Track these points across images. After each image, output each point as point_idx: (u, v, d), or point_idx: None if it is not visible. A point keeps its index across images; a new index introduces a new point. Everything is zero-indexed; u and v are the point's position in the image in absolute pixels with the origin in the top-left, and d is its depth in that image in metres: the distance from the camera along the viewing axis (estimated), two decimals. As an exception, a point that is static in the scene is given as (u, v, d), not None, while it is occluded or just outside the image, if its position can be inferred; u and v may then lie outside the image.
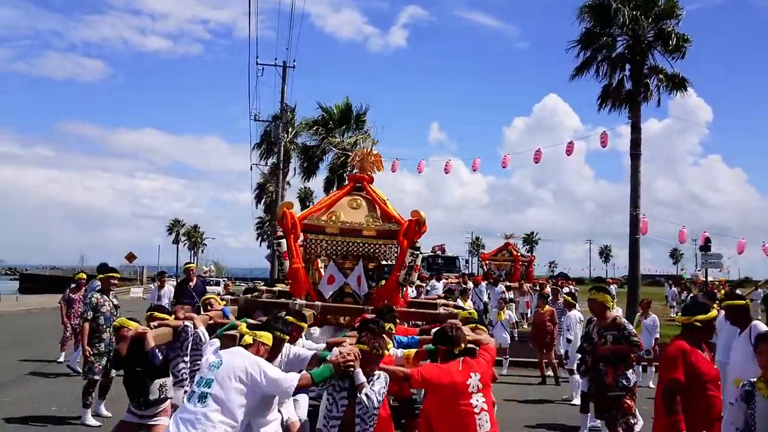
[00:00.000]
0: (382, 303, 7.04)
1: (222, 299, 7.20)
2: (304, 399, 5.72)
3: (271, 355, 4.80)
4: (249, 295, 8.34)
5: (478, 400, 4.53)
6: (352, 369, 4.41)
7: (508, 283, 22.05)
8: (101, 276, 9.01)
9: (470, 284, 19.65)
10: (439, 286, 19.12)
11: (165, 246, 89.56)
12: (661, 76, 22.40)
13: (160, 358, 5.45)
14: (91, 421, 8.22)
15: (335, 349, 4.77)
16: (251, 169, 38.07)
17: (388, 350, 4.93)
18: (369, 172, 8.53)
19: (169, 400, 5.65)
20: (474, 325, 5.76)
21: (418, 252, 7.83)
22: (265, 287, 10.13)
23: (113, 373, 8.40)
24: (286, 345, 5.22)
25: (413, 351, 5.36)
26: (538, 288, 22.08)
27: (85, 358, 8.56)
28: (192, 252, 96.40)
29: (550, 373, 12.34)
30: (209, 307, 6.61)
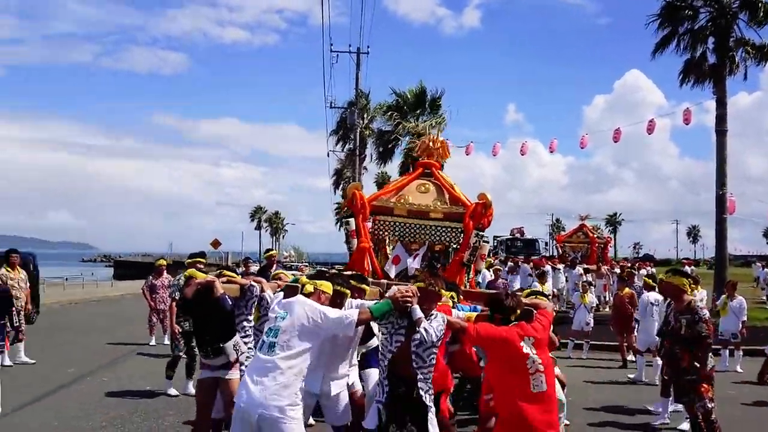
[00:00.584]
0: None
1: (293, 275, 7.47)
2: (374, 373, 5.81)
3: (333, 307, 4.99)
4: None
5: (534, 361, 4.60)
6: (410, 304, 4.54)
7: (585, 266, 21.67)
8: (189, 260, 9.33)
9: (548, 267, 19.46)
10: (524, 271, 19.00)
11: (248, 232, 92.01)
12: (748, 47, 21.37)
13: (230, 304, 5.66)
14: (173, 391, 9.00)
15: (393, 287, 4.99)
16: (328, 156, 38.70)
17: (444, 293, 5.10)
18: (437, 159, 8.71)
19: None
20: (534, 296, 5.77)
21: (483, 234, 7.96)
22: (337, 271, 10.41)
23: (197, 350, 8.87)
24: (348, 300, 5.36)
25: (474, 314, 5.49)
26: (618, 270, 21.63)
27: (172, 335, 9.19)
28: (273, 238, 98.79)
29: (631, 357, 12.15)
30: (279, 281, 6.85)
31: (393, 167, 33.49)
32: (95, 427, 7.54)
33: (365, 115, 33.55)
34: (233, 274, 6.34)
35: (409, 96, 29.32)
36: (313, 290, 4.86)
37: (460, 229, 7.95)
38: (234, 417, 4.58)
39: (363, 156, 34.79)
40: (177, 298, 8.98)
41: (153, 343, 13.54)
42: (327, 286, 4.95)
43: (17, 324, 11.20)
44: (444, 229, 8.03)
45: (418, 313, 4.56)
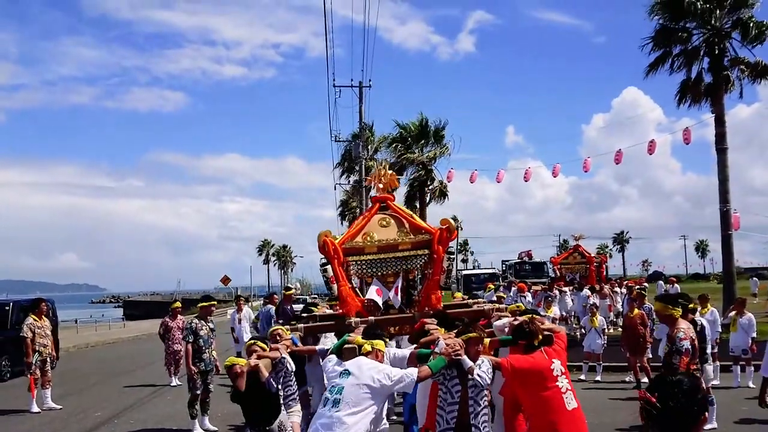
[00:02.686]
0: (424, 307, 8.11)
1: (288, 329, 7.77)
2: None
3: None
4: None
5: (563, 382, 5.17)
6: (460, 356, 5.10)
7: (591, 286, 21.78)
8: (202, 305, 10.11)
9: (556, 292, 19.63)
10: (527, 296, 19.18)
11: (256, 266, 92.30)
12: (742, 66, 21.82)
13: (275, 386, 6.11)
14: (198, 429, 9.58)
15: (441, 342, 5.43)
16: (335, 189, 39.33)
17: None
18: (388, 191, 9.27)
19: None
20: (530, 315, 6.24)
21: (453, 257, 8.61)
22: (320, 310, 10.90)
23: (211, 386, 9.80)
24: (386, 348, 5.89)
25: (488, 340, 5.98)
26: (620, 290, 21.77)
27: (189, 376, 9.65)
28: (282, 271, 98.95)
29: (645, 379, 12.32)
30: (278, 338, 7.22)
31: (398, 197, 33.98)
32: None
33: (369, 147, 34.02)
34: (265, 346, 6.57)
35: (412, 128, 29.96)
36: (371, 349, 5.36)
37: (427, 255, 8.61)
38: None
39: (369, 187, 35.15)
40: (191, 341, 9.60)
41: (174, 383, 14.00)
42: (381, 345, 5.49)
43: (45, 370, 11.53)
44: (413, 257, 8.60)
45: (469, 362, 5.11)
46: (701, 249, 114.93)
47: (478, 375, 5.07)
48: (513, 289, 21.04)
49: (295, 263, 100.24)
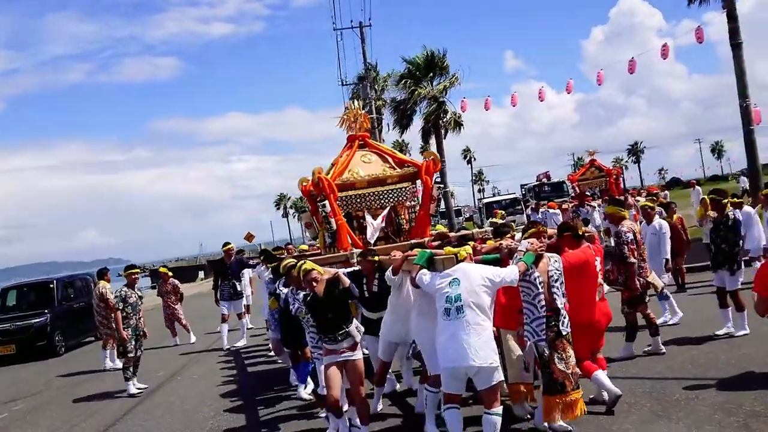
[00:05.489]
0: (417, 235, 8.71)
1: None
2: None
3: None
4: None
5: (599, 276, 6.35)
6: (543, 250, 5.91)
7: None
8: (125, 273, 10.90)
9: (588, 207, 19.64)
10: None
11: (276, 221, 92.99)
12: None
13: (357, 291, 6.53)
14: (133, 389, 10.36)
15: (523, 243, 5.95)
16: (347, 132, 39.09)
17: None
18: (364, 130, 9.63)
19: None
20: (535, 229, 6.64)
21: (440, 185, 8.99)
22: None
23: (140, 350, 10.48)
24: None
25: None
26: (640, 199, 21.76)
27: (121, 341, 10.33)
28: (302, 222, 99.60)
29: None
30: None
31: (412, 134, 33.98)
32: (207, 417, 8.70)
33: (376, 87, 33.71)
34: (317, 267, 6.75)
35: (419, 62, 29.46)
36: (466, 255, 5.63)
37: (412, 188, 9.21)
38: (444, 375, 5.52)
39: (380, 127, 35.09)
40: (120, 308, 10.22)
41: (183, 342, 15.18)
42: (469, 248, 5.79)
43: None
44: (399, 190, 9.08)
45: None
46: (717, 150, 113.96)
47: (555, 268, 5.86)
48: (542, 210, 21.08)
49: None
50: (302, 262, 6.78)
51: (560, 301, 5.82)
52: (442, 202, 28.50)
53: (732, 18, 21.51)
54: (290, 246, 16.34)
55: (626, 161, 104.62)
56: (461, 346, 5.22)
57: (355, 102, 10.35)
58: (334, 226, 8.51)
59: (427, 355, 6.25)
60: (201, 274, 55.72)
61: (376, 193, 8.84)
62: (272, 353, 10.75)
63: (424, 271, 5.75)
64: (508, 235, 6.74)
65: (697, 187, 25.78)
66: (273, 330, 9.33)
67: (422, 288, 5.76)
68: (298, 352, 8.13)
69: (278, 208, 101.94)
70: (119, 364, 11.82)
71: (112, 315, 11.29)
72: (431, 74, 29.55)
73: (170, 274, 15.89)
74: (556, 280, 5.85)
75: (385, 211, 8.75)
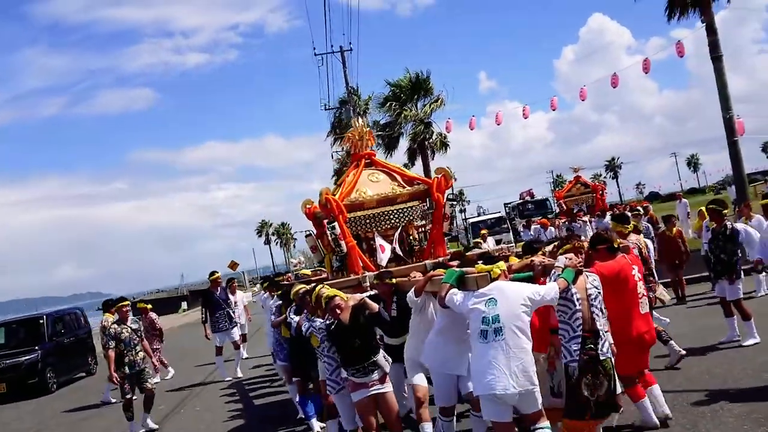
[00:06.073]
0: (429, 255, 8.37)
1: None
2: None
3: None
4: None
5: (641, 287, 6.01)
6: (582, 266, 5.56)
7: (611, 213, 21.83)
8: (116, 308, 10.12)
9: (579, 222, 19.72)
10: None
11: (257, 248, 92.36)
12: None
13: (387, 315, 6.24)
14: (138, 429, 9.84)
15: (560, 259, 5.48)
16: (332, 157, 39.27)
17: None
18: (368, 148, 9.27)
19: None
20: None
21: (454, 202, 8.99)
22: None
23: (149, 384, 9.83)
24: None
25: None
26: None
27: (115, 382, 9.67)
28: (284, 249, 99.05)
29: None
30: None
31: (398, 155, 33.96)
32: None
33: (359, 110, 33.85)
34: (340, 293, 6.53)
35: (403, 84, 29.61)
36: (500, 271, 5.27)
37: (422, 207, 8.98)
38: (484, 402, 5.12)
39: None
40: (112, 347, 9.55)
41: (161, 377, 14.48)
42: (503, 265, 5.42)
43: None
44: (410, 209, 8.76)
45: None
46: (693, 164, 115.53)
47: (594, 286, 5.40)
48: (533, 227, 21.13)
49: (296, 239, 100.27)
50: (320, 287, 6.55)
51: (600, 322, 5.35)
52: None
53: (712, 31, 21.91)
54: (288, 275, 16.06)
55: (604, 177, 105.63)
56: (501, 372, 4.90)
57: (360, 119, 10.07)
58: (345, 249, 8.17)
59: (435, 379, 6.01)
60: (184, 305, 55.05)
61: (386, 212, 8.60)
62: (277, 383, 10.52)
63: (455, 290, 5.41)
64: (540, 252, 6.34)
65: (684, 200, 25.96)
66: (281, 359, 9.11)
67: (453, 309, 5.43)
68: (307, 384, 7.89)
69: (260, 235, 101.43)
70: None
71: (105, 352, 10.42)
72: (416, 96, 29.78)
73: (149, 307, 14.97)
74: (595, 299, 5.39)
75: (398, 232, 8.44)
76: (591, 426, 5.39)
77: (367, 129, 9.44)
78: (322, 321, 6.35)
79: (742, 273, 9.20)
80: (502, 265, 5.40)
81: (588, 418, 5.30)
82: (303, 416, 8.39)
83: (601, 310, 5.40)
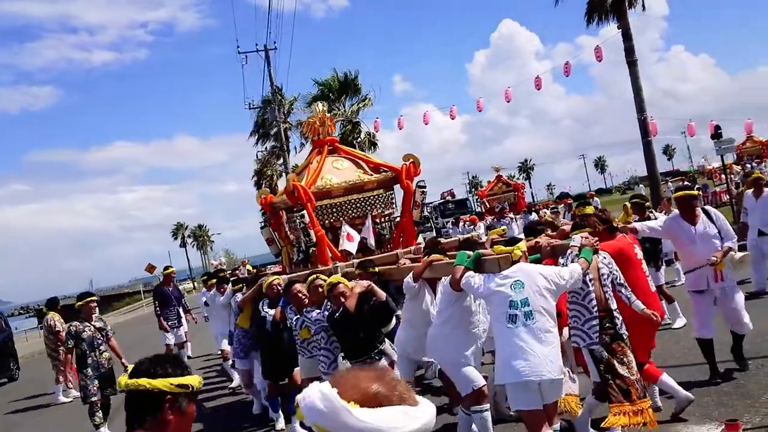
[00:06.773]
0: (399, 243, 8.19)
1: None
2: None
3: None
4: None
5: (645, 267, 5.92)
6: (598, 245, 5.41)
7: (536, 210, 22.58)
8: (80, 304, 9.15)
9: (508, 218, 20.30)
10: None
11: (173, 251, 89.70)
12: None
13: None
14: None
15: (576, 238, 5.36)
16: (257, 157, 38.72)
17: None
18: (330, 134, 8.93)
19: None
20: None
21: (424, 188, 8.63)
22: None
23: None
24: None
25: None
26: (546, 211, 22.75)
27: (80, 385, 8.91)
28: (201, 251, 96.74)
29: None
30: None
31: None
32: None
33: (283, 110, 33.57)
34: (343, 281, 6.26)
35: (332, 84, 29.55)
36: (521, 252, 5.01)
37: (390, 195, 8.63)
38: (514, 391, 4.80)
39: (288, 150, 34.88)
40: (71, 345, 8.85)
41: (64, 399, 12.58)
42: (523, 245, 5.18)
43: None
44: (378, 197, 8.46)
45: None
46: (600, 165, 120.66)
47: (607, 265, 5.38)
48: (461, 224, 21.65)
49: (213, 241, 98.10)
50: (314, 276, 6.32)
51: (613, 301, 5.28)
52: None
53: (627, 37, 23.06)
54: (237, 270, 15.54)
55: (518, 177, 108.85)
56: (535, 357, 4.61)
57: (320, 105, 9.48)
58: (314, 238, 7.80)
59: (455, 372, 5.56)
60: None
61: (353, 200, 8.21)
62: (232, 386, 10.16)
63: (472, 273, 5.08)
64: (544, 233, 6.21)
65: (596, 198, 27.19)
66: (240, 360, 8.47)
67: (470, 292, 5.19)
68: (278, 384, 7.40)
69: (176, 238, 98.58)
70: (73, 395, 11.01)
71: (61, 350, 9.66)
72: (344, 95, 29.82)
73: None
74: (607, 278, 5.32)
75: (369, 220, 8.09)
76: (644, 406, 5.04)
77: (329, 115, 9.07)
78: (318, 312, 6.08)
79: (663, 261, 9.84)
80: (522, 245, 5.12)
81: (635, 399, 5.04)
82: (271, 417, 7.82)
83: (623, 285, 5.34)
